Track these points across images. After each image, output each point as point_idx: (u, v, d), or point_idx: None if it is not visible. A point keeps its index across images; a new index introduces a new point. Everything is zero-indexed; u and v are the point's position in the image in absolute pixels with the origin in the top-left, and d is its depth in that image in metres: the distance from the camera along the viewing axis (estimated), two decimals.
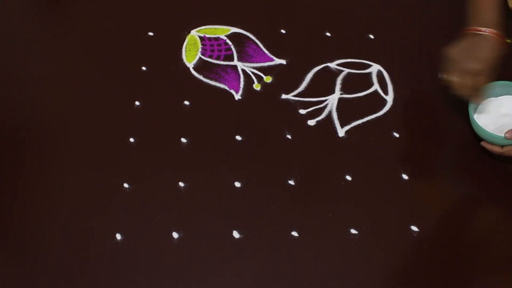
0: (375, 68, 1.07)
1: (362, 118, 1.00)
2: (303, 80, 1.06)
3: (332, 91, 1.04)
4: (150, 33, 1.15)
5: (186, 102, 1.04)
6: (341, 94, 1.04)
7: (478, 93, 0.88)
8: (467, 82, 0.86)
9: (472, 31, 0.87)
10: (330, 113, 1.01)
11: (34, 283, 0.84)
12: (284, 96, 1.04)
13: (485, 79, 0.86)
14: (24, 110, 1.04)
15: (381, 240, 0.86)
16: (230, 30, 1.15)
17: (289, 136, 0.98)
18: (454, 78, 0.87)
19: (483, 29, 0.86)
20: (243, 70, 1.08)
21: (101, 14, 1.20)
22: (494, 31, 0.85)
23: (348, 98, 1.03)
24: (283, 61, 1.09)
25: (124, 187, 0.92)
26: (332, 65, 1.08)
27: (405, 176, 0.92)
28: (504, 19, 0.88)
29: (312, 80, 1.06)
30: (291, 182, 0.92)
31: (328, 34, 1.14)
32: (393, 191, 0.91)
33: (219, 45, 1.13)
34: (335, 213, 0.89)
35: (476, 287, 0.82)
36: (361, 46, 1.11)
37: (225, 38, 1.14)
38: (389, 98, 1.03)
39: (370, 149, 0.96)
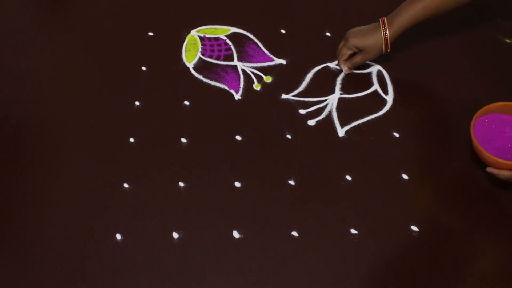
0: (375, 68, 1.07)
1: (362, 118, 1.00)
2: (303, 80, 1.06)
3: (332, 91, 1.04)
4: (150, 33, 1.15)
5: (186, 102, 1.04)
6: (341, 94, 1.04)
7: (350, 65, 1.03)
8: (345, 52, 1.03)
9: (380, 20, 0.98)
10: (330, 113, 1.01)
11: (34, 283, 0.84)
12: (284, 96, 1.04)
13: (361, 57, 1.02)
14: (24, 110, 1.04)
15: (381, 240, 0.86)
16: (230, 30, 1.15)
17: (289, 136, 0.98)
18: (341, 44, 1.04)
19: (383, 25, 0.97)
20: (243, 70, 1.08)
21: (101, 14, 1.20)
22: (387, 33, 0.97)
23: (348, 98, 1.03)
24: (283, 61, 1.09)
25: (124, 187, 0.92)
26: (332, 65, 1.08)
27: (405, 176, 0.92)
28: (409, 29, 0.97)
29: (312, 80, 1.06)
30: (291, 182, 0.92)
31: (328, 34, 1.14)
32: (393, 191, 0.91)
33: (219, 45, 1.13)
34: (335, 213, 0.89)
35: (476, 287, 0.82)
36: None
37: (225, 38, 1.14)
38: (389, 98, 1.03)
39: (370, 149, 0.96)
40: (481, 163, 0.90)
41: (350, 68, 1.04)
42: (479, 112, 0.89)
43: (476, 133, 0.88)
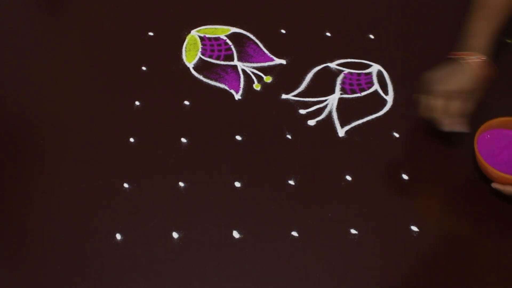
0: (375, 68, 1.07)
1: (362, 118, 1.00)
2: (303, 80, 1.06)
3: (332, 91, 1.04)
4: (150, 33, 1.15)
5: (186, 102, 1.04)
6: (341, 94, 1.04)
7: (451, 118, 0.86)
8: (437, 104, 0.85)
9: (457, 56, 0.86)
10: (330, 113, 1.01)
11: (34, 283, 0.84)
12: (284, 96, 1.04)
13: (459, 104, 0.84)
14: (24, 110, 1.04)
15: (381, 240, 0.86)
16: (230, 30, 1.15)
17: (289, 136, 0.98)
18: (425, 99, 0.87)
19: (467, 55, 0.85)
20: (243, 70, 1.08)
21: (101, 14, 1.20)
22: (478, 57, 0.83)
23: (348, 98, 1.03)
24: (283, 61, 1.09)
25: (124, 187, 0.92)
26: (332, 65, 1.08)
27: (405, 176, 0.92)
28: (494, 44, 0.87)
29: (312, 80, 1.06)
30: (291, 182, 0.92)
31: (328, 34, 1.14)
32: (393, 191, 0.91)
33: (219, 45, 1.13)
34: (335, 213, 0.89)
35: (476, 287, 0.82)
36: (361, 46, 1.11)
37: (225, 38, 1.14)
38: (389, 98, 1.03)
39: (370, 149, 0.96)
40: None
41: (454, 124, 0.87)
42: (480, 128, 0.89)
43: (480, 149, 0.88)
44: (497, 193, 0.88)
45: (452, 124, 0.86)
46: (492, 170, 0.84)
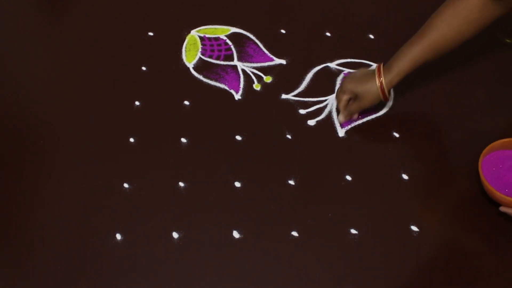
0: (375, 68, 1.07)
1: (362, 118, 1.00)
2: (303, 80, 1.06)
3: (332, 91, 1.04)
4: (150, 33, 1.15)
5: (186, 102, 1.04)
6: None
7: (346, 113, 0.97)
8: (342, 98, 0.95)
9: (379, 66, 0.93)
10: (330, 113, 1.01)
11: (34, 283, 0.84)
12: (284, 96, 1.04)
13: (357, 105, 0.95)
14: (24, 110, 1.04)
15: (381, 240, 0.86)
16: (230, 30, 1.15)
17: (289, 136, 0.98)
18: (337, 91, 0.97)
19: (379, 72, 0.91)
20: (243, 70, 1.08)
21: (101, 14, 1.20)
22: (382, 81, 0.91)
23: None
24: (283, 61, 1.09)
25: (124, 187, 0.92)
26: (332, 65, 1.08)
27: (405, 176, 0.92)
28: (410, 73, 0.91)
29: (312, 80, 1.06)
30: (291, 182, 0.92)
31: (328, 34, 1.14)
32: (393, 191, 0.91)
33: (219, 45, 1.13)
34: (335, 213, 0.89)
35: (476, 286, 0.82)
36: (361, 46, 1.11)
37: (225, 38, 1.14)
38: (389, 98, 1.03)
39: (370, 149, 0.96)
40: None
41: (345, 117, 0.97)
42: (484, 151, 0.88)
43: (484, 173, 0.87)
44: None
45: (346, 118, 0.97)
46: (499, 195, 0.83)
